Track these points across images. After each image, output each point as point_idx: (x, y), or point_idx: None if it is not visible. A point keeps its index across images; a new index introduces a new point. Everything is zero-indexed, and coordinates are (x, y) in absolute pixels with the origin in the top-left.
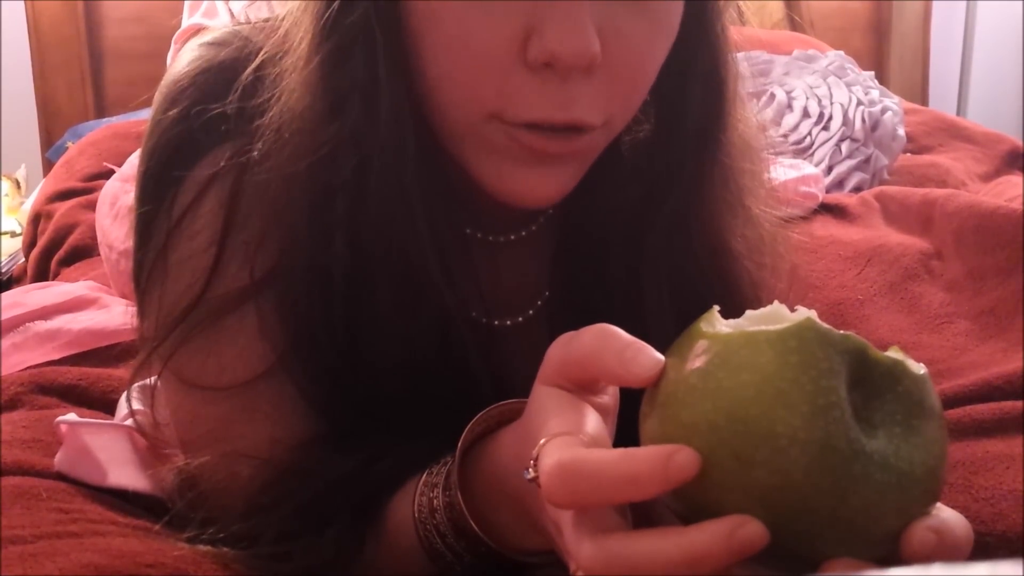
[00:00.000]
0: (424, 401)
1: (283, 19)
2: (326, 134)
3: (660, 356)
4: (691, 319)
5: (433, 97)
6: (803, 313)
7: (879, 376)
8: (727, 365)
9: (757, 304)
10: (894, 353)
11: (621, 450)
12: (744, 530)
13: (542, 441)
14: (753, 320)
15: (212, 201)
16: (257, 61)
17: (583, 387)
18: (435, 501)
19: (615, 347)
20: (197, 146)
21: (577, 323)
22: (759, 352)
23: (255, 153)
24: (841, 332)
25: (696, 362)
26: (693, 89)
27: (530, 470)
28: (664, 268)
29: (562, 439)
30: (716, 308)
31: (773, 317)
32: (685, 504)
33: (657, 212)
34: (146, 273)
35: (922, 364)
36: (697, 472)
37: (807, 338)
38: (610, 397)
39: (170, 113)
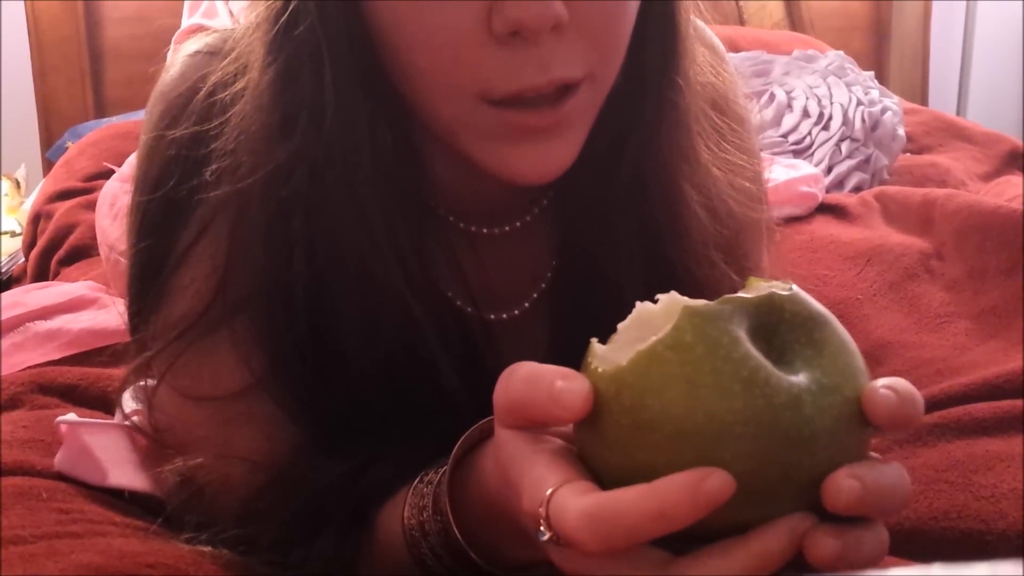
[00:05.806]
0: (407, 406)
1: (239, 39)
2: (279, 152)
3: (587, 385)
4: (654, 278)
5: (420, 95)
6: (669, 300)
7: (765, 315)
8: (646, 391)
9: (707, 258)
10: (757, 286)
11: (642, 486)
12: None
13: (548, 492)
14: (631, 330)
15: (217, 227)
16: (209, 85)
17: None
18: (426, 525)
19: (544, 388)
20: (196, 171)
21: (575, 314)
22: (666, 363)
23: (208, 176)
24: (715, 301)
25: (619, 402)
26: (651, 34)
27: (543, 530)
28: (634, 225)
29: (567, 488)
30: (594, 340)
31: (646, 318)
32: None
33: (619, 163)
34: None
35: (787, 281)
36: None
37: (697, 325)
38: (569, 428)
39: (167, 135)
